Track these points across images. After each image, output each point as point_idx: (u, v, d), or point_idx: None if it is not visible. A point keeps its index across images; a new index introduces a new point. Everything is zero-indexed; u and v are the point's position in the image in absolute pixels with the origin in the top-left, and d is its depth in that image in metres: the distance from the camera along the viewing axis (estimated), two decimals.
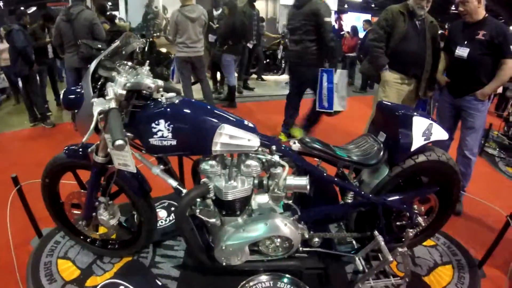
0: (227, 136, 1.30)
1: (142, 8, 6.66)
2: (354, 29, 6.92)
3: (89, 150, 1.49)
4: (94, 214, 1.62)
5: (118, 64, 1.34)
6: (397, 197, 1.59)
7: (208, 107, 1.39)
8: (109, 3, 6.16)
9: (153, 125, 1.28)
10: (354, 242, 1.84)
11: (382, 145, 1.51)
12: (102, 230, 1.79)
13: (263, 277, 1.67)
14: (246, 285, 1.64)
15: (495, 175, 3.41)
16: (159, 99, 1.32)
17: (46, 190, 1.69)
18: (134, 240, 1.80)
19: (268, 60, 6.44)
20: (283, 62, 6.60)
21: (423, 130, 1.50)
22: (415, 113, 1.51)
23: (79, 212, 1.69)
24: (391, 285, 1.72)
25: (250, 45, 5.32)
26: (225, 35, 4.44)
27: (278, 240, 1.48)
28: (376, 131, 1.62)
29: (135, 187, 1.57)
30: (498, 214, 1.93)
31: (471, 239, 2.17)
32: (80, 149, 1.54)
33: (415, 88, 2.73)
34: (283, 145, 1.45)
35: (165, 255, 1.90)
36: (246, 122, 1.37)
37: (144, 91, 1.29)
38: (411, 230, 1.61)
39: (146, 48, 4.81)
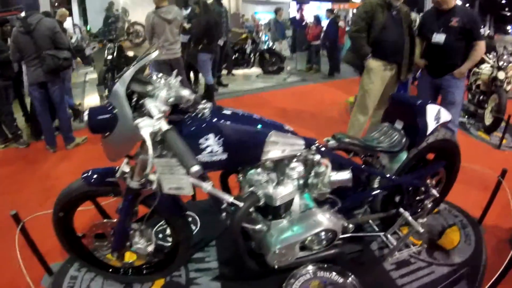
0: (277, 143, 1.32)
1: (102, 12, 6.32)
2: (317, 18, 7.20)
3: (117, 175, 1.35)
4: (128, 243, 1.53)
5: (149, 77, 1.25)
6: (416, 175, 1.80)
7: (251, 115, 1.40)
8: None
9: (201, 141, 1.23)
10: (371, 222, 2.03)
11: (403, 133, 1.69)
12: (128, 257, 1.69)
13: (307, 269, 1.73)
14: (291, 280, 1.70)
15: (470, 140, 3.86)
16: (202, 112, 1.26)
17: (60, 224, 1.52)
18: (168, 261, 1.71)
19: (237, 55, 6.49)
20: (251, 56, 6.69)
21: (434, 115, 1.71)
22: (428, 102, 1.74)
23: (102, 243, 1.58)
24: (413, 253, 1.94)
25: (221, 42, 5.33)
26: (200, 34, 4.42)
27: (323, 233, 1.54)
28: (392, 119, 1.80)
29: (173, 208, 1.51)
30: (485, 175, 2.22)
31: (466, 201, 2.47)
32: (104, 175, 1.42)
33: (396, 72, 2.99)
34: (320, 144, 1.54)
35: (199, 269, 1.86)
36: (285, 127, 1.43)
37: (182, 105, 1.24)
38: (428, 202, 1.84)
39: (115, 54, 4.61)
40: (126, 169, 1.35)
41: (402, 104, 1.80)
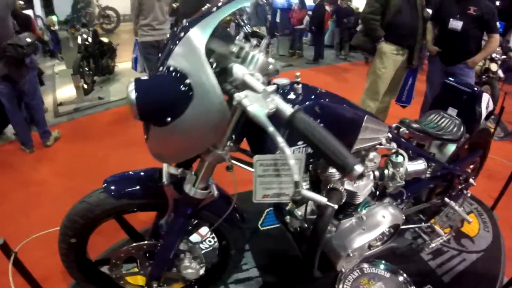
0: (368, 129, 1.13)
1: None
2: (302, 1, 7.03)
3: (164, 181, 1.03)
4: (174, 269, 1.25)
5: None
6: (463, 163, 1.77)
7: (340, 96, 1.13)
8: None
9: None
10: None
11: (461, 120, 1.64)
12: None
13: (354, 268, 1.70)
14: (342, 280, 1.65)
15: None
16: (293, 88, 0.98)
17: (72, 253, 1.16)
18: (211, 278, 1.47)
19: None
20: None
21: (486, 103, 1.68)
22: (483, 90, 1.70)
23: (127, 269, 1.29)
24: (444, 242, 1.95)
25: None
26: (188, 13, 4.08)
27: (388, 228, 1.41)
28: (443, 106, 1.75)
29: (233, 217, 1.22)
30: (496, 163, 2.28)
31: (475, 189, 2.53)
32: (137, 183, 1.10)
33: (407, 57, 2.96)
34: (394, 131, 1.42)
35: (239, 279, 1.69)
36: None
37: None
38: (467, 191, 1.83)
39: (90, 39, 4.16)
40: (174, 171, 1.03)
41: (457, 91, 1.74)
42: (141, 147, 2.47)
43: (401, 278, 1.70)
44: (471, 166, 1.97)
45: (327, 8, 7.14)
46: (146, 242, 1.24)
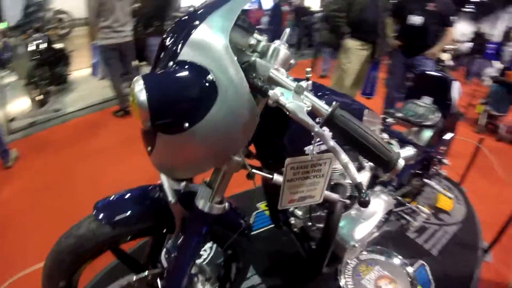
0: (369, 122, 1.14)
1: (18, 2, 5.11)
2: (259, 2, 7.12)
3: (172, 200, 0.91)
4: None
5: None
6: (438, 146, 1.93)
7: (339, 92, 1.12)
8: None
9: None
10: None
11: (436, 107, 1.79)
12: None
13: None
14: (342, 272, 1.71)
15: None
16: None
17: None
18: None
19: None
20: None
21: (457, 90, 1.86)
22: (454, 78, 1.88)
23: None
24: (425, 220, 2.12)
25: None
26: (151, 13, 3.95)
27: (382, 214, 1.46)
28: (418, 96, 1.90)
29: (238, 227, 1.08)
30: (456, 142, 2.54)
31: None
32: (138, 204, 0.96)
33: (371, 52, 3.15)
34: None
35: None
36: None
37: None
38: (442, 170, 2.01)
39: (44, 45, 3.83)
40: (177, 186, 0.93)
41: (431, 80, 1.90)
42: (107, 157, 2.38)
43: (396, 260, 1.81)
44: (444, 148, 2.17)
45: (286, 8, 7.32)
46: (150, 272, 1.08)
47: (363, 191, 0.67)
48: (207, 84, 0.65)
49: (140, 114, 0.63)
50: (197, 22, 0.68)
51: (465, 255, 1.95)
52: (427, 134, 1.84)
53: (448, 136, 2.08)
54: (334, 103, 0.67)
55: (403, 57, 3.12)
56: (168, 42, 0.72)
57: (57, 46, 4.21)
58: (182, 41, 0.68)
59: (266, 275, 1.73)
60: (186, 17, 0.73)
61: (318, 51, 5.58)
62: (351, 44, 3.01)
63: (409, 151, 1.56)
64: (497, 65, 4.47)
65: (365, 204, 0.67)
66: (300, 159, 0.82)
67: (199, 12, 0.72)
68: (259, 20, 7.17)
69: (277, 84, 0.69)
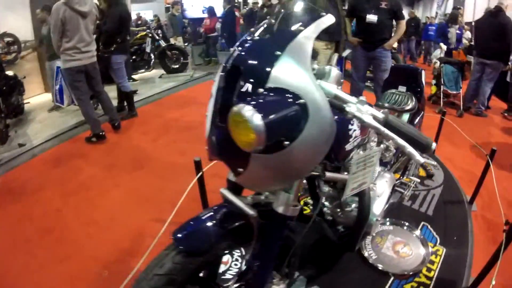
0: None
1: None
2: (211, 10, 7.25)
3: (253, 214, 0.94)
4: None
5: None
6: (414, 125, 2.26)
7: None
8: None
9: (349, 125, 1.10)
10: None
11: (410, 93, 2.10)
12: None
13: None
14: (363, 245, 1.91)
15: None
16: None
17: None
18: None
19: (134, 57, 5.90)
20: (152, 56, 6.22)
21: (424, 78, 2.20)
22: (421, 68, 2.23)
23: None
24: (414, 188, 2.43)
25: None
26: (113, 30, 3.83)
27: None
28: (393, 86, 2.20)
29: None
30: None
31: None
32: (218, 226, 0.96)
33: (334, 50, 3.48)
34: None
35: None
36: None
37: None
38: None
39: None
40: (257, 199, 1.00)
41: (404, 71, 2.23)
42: (93, 189, 2.40)
43: (404, 226, 2.08)
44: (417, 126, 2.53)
45: (237, 13, 7.55)
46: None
47: (428, 168, 0.88)
48: (300, 107, 0.75)
49: (255, 136, 0.67)
50: (277, 52, 0.79)
51: (455, 209, 2.30)
52: (406, 116, 2.16)
53: (420, 115, 2.45)
54: (385, 110, 0.87)
55: (364, 51, 3.49)
56: (245, 69, 0.81)
57: (9, 73, 3.91)
58: (266, 69, 0.78)
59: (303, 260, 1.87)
60: (254, 43, 0.86)
61: None
62: (317, 45, 3.29)
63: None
64: (443, 46, 5.11)
65: (431, 176, 0.88)
66: (364, 155, 0.98)
67: (269, 39, 0.86)
68: (213, 27, 7.33)
69: (341, 100, 0.87)
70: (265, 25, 0.93)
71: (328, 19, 0.92)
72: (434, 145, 0.85)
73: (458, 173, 2.77)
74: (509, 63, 4.28)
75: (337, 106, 0.85)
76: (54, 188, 2.70)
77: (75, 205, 2.46)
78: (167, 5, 8.17)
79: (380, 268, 1.75)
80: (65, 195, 2.59)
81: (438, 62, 4.82)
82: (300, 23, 0.87)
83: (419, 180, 2.33)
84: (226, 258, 1.84)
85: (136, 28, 6.50)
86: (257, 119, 0.66)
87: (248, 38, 0.92)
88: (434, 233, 2.04)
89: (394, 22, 3.47)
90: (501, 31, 3.96)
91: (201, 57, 7.81)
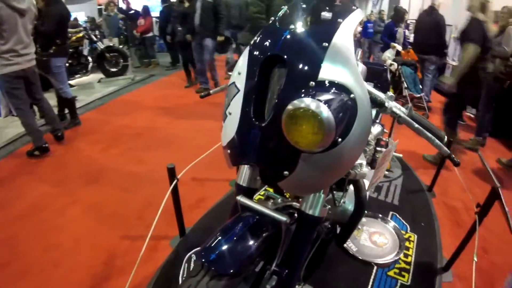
0: None
1: None
2: (146, 9, 6.90)
3: (287, 220, 0.87)
4: None
5: None
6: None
7: None
8: None
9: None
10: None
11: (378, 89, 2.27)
12: None
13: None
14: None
15: None
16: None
17: None
18: None
19: (70, 61, 5.36)
20: (89, 59, 5.73)
21: (389, 74, 2.38)
22: (386, 65, 2.39)
23: None
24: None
25: None
26: (52, 31, 3.45)
27: None
28: None
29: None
30: None
31: None
32: (249, 240, 0.83)
33: None
34: None
35: None
36: None
37: None
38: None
39: None
40: (286, 201, 0.97)
41: (369, 69, 2.38)
42: (48, 210, 2.37)
43: (374, 217, 2.22)
44: None
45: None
46: None
47: (455, 159, 0.91)
48: (352, 102, 0.73)
49: (324, 133, 0.65)
50: (324, 43, 0.77)
51: (417, 197, 2.53)
52: (373, 111, 2.32)
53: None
54: (409, 105, 0.92)
55: None
56: (293, 60, 0.78)
57: None
58: (317, 61, 0.75)
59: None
60: (294, 34, 0.82)
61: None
62: None
63: (378, 128, 1.97)
64: (398, 46, 5.37)
65: (458, 164, 0.92)
66: (387, 150, 1.03)
67: (310, 31, 0.83)
68: (149, 27, 7.01)
69: (372, 95, 0.88)
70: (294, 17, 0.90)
71: (359, 13, 0.94)
72: (446, 137, 0.93)
73: (415, 163, 3.06)
74: (447, 57, 4.78)
75: (378, 102, 0.87)
76: (1, 212, 2.35)
77: (30, 229, 2.18)
78: (100, 6, 7.64)
79: (363, 259, 1.85)
80: (16, 218, 2.27)
81: (396, 64, 4.75)
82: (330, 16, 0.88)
83: (387, 173, 2.52)
84: None
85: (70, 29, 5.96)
86: (326, 112, 0.63)
87: (283, 25, 0.88)
88: (404, 221, 2.22)
89: None
90: (436, 28, 4.43)
91: (140, 59, 7.46)
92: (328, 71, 0.74)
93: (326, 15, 0.91)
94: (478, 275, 1.43)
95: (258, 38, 0.90)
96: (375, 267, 1.80)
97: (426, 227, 2.15)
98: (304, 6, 0.95)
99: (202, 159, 2.35)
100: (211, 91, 1.44)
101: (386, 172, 2.50)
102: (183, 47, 5.58)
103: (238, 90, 0.85)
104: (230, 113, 0.86)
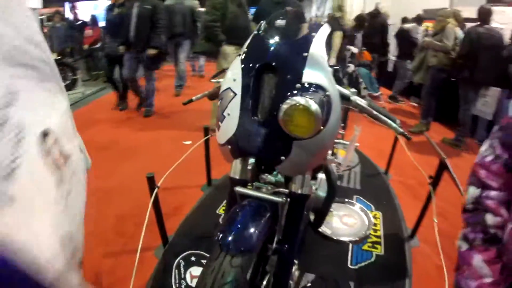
0: None
1: None
2: (94, 19, 6.65)
3: (282, 201, 1.05)
4: None
5: None
6: None
7: None
8: None
9: None
10: None
11: None
12: None
13: None
14: None
15: None
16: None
17: None
18: None
19: None
20: None
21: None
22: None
23: None
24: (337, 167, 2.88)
25: None
26: None
27: None
28: None
29: None
30: None
31: None
32: (259, 219, 1.00)
33: None
34: None
35: None
36: None
37: None
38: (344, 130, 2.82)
39: None
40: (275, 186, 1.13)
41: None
42: None
43: (341, 202, 2.45)
44: None
45: None
46: None
47: (407, 135, 1.14)
48: (327, 98, 0.93)
49: (314, 121, 0.85)
50: (304, 54, 0.96)
51: (376, 180, 2.84)
52: None
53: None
54: (367, 97, 1.20)
55: None
56: (282, 67, 0.96)
57: None
58: (300, 68, 0.94)
59: None
60: (284, 43, 1.00)
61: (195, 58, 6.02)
62: (229, 49, 3.50)
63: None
64: (354, 49, 5.75)
65: (410, 139, 1.17)
66: (355, 135, 1.26)
67: (290, 41, 1.02)
68: (99, 38, 6.78)
69: (341, 92, 1.07)
70: (275, 27, 1.09)
71: (327, 28, 1.14)
72: (398, 121, 1.13)
73: (371, 151, 3.38)
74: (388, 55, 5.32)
75: (346, 97, 1.08)
76: None
77: None
78: (41, 16, 7.19)
79: (338, 239, 2.06)
80: None
81: (352, 66, 4.91)
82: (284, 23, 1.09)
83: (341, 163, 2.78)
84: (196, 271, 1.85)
85: None
86: (314, 105, 0.84)
87: (268, 38, 1.04)
88: (368, 202, 2.48)
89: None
90: (380, 30, 4.95)
91: (89, 72, 7.15)
92: (309, 75, 0.94)
93: (280, 22, 1.11)
94: (441, 237, 1.69)
95: (249, 48, 1.06)
96: (350, 245, 2.01)
97: (388, 204, 2.44)
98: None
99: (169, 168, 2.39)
100: (193, 98, 1.53)
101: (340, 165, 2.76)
102: (111, 62, 4.78)
103: (235, 94, 0.99)
104: (229, 114, 0.99)
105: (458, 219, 2.10)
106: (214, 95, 1.43)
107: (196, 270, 1.83)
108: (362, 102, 1.11)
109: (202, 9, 5.50)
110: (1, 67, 0.47)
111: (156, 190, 1.85)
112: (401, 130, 1.11)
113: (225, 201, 2.42)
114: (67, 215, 0.59)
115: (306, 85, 0.92)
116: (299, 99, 0.84)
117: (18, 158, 0.46)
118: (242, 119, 0.97)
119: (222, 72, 1.47)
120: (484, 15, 3.68)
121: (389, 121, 1.10)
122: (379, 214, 2.32)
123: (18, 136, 0.47)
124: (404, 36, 5.14)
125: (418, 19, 5.44)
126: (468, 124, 3.92)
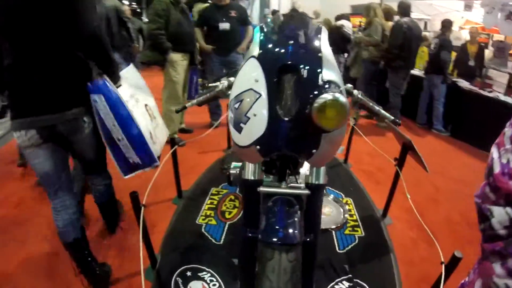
0: None
1: None
2: None
3: (305, 193, 1.17)
4: None
5: None
6: None
7: None
8: None
9: None
10: None
11: None
12: None
13: None
14: None
15: None
16: None
17: None
18: None
19: None
20: None
21: None
22: None
23: None
24: None
25: None
26: None
27: None
28: None
29: None
30: None
31: None
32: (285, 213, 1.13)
33: (189, 60, 3.73)
34: None
35: None
36: None
37: None
38: None
39: None
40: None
41: None
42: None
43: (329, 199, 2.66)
44: None
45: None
46: None
47: (397, 120, 1.40)
48: (341, 94, 1.00)
49: (345, 114, 0.93)
50: (319, 54, 1.05)
51: (339, 170, 3.13)
52: None
53: None
54: (359, 92, 1.35)
55: (219, 57, 3.93)
56: (300, 68, 1.02)
57: None
58: (319, 67, 1.02)
59: None
60: (300, 45, 1.07)
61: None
62: (176, 57, 3.48)
63: None
64: None
65: (399, 124, 1.44)
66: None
67: (303, 42, 1.09)
68: None
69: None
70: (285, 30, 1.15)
71: (325, 29, 1.22)
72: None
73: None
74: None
75: (349, 92, 1.29)
76: None
77: None
78: None
79: (321, 228, 2.23)
80: None
81: None
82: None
83: None
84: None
85: None
86: (343, 99, 0.92)
87: (283, 39, 1.10)
88: (337, 191, 2.73)
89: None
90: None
91: None
92: (327, 74, 1.02)
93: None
94: (409, 212, 1.97)
95: (264, 49, 1.10)
96: (333, 232, 2.21)
97: (355, 191, 2.71)
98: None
99: (137, 186, 2.33)
100: (186, 105, 1.54)
101: None
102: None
103: (260, 95, 1.02)
104: (255, 115, 1.02)
105: (424, 194, 2.46)
106: (212, 99, 1.47)
107: (196, 284, 1.83)
108: (363, 97, 1.32)
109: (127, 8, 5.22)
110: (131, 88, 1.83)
111: (142, 208, 1.81)
112: (391, 117, 1.37)
113: (202, 209, 2.45)
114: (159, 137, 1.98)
115: (326, 82, 1.00)
116: (329, 96, 0.92)
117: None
118: (271, 118, 1.01)
119: (220, 78, 1.50)
120: (405, 9, 4.27)
121: (383, 112, 1.34)
122: (350, 200, 2.57)
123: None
124: (335, 32, 5.59)
125: (346, 16, 5.92)
126: (399, 107, 4.53)
